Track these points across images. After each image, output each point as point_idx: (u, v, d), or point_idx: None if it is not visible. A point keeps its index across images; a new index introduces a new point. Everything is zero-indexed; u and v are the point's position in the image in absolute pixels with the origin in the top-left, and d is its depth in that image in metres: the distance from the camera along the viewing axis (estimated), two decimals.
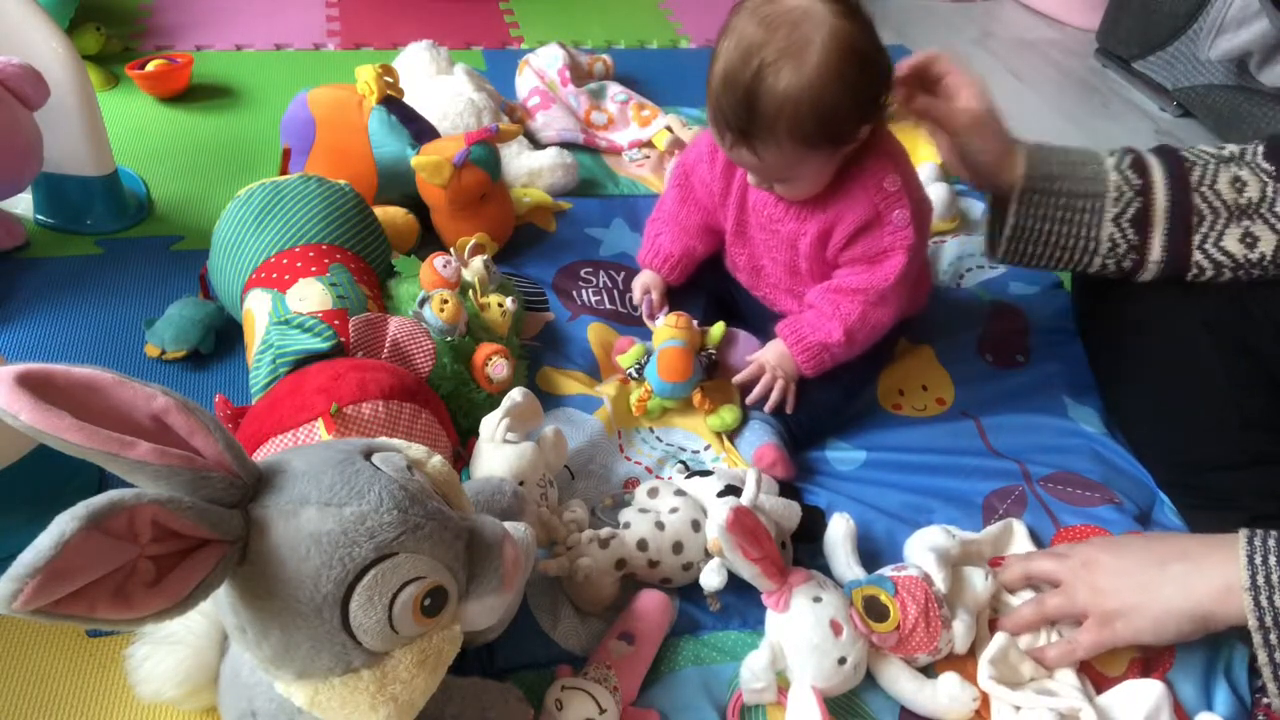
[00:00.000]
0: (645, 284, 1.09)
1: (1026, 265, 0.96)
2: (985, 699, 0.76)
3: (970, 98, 0.88)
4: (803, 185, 0.90)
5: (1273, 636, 0.69)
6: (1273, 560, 0.70)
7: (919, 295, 1.07)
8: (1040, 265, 0.95)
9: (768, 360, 0.96)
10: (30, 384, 0.45)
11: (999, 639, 0.77)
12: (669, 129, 1.44)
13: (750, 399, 0.97)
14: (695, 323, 0.99)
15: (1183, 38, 1.71)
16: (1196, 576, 0.73)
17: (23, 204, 1.18)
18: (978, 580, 0.81)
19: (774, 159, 0.84)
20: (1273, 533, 0.71)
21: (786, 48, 0.79)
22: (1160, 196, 0.89)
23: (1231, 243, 0.89)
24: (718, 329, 1.01)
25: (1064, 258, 0.94)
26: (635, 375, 0.99)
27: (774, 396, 0.95)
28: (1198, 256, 0.90)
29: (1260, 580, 0.69)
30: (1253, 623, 0.69)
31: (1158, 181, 0.89)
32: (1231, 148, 0.91)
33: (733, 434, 0.98)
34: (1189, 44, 1.70)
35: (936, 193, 1.31)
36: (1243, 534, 0.72)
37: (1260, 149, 0.90)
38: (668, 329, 0.98)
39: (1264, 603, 0.69)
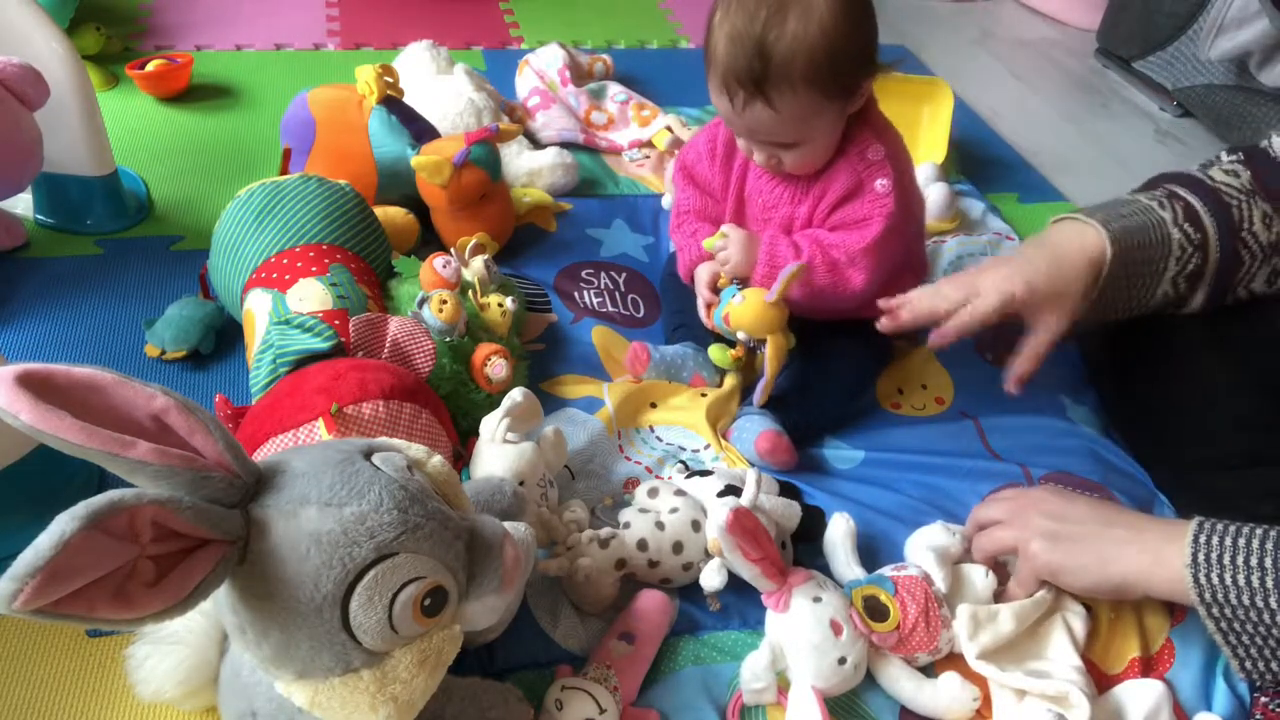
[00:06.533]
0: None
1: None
2: (986, 699, 0.76)
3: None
4: (812, 150, 0.91)
5: (1215, 610, 0.71)
6: (1215, 540, 0.72)
7: None
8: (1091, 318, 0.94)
9: (732, 236, 0.96)
10: (30, 384, 0.45)
11: (962, 611, 0.77)
12: (669, 129, 1.44)
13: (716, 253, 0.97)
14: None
15: (1183, 38, 1.71)
16: (1133, 544, 0.75)
17: (23, 204, 1.18)
18: (978, 579, 0.81)
19: (790, 109, 0.85)
20: (1224, 521, 0.73)
21: None
22: (1213, 251, 0.89)
23: (1259, 283, 0.92)
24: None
25: (1117, 313, 0.94)
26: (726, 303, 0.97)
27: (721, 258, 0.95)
28: (1228, 298, 0.92)
29: (1200, 558, 0.72)
30: (1194, 598, 0.72)
31: (1211, 234, 0.89)
32: (1244, 175, 0.90)
33: (726, 428, 0.98)
34: (1189, 44, 1.70)
35: (936, 193, 1.31)
36: (1196, 519, 0.74)
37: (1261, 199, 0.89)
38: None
39: (1202, 580, 0.71)
